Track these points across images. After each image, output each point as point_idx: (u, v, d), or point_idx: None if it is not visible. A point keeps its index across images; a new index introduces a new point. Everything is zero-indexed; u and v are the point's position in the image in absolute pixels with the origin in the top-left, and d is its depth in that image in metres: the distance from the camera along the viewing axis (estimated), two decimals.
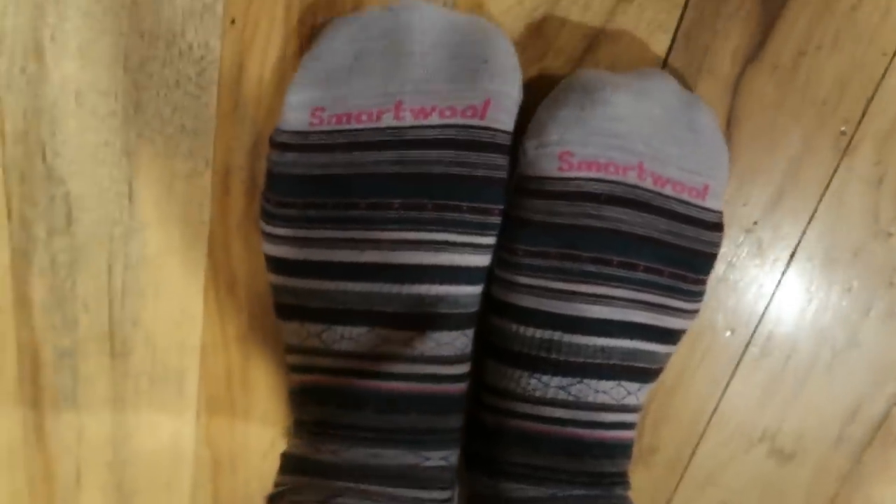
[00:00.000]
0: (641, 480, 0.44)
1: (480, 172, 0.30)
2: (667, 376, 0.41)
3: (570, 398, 0.32)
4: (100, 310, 0.37)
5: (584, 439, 0.32)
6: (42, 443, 0.41)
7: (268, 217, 0.32)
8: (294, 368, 0.34)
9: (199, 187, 0.35)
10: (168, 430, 0.41)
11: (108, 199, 0.34)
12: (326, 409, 0.32)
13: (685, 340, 0.39)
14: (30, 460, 0.41)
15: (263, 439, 0.42)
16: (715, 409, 0.42)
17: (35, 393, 0.39)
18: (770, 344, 0.40)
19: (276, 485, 0.33)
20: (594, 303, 0.31)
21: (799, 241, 0.37)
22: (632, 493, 0.41)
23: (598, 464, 0.32)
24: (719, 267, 0.38)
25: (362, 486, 0.30)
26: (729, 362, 0.41)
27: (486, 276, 0.33)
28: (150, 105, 0.33)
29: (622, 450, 0.33)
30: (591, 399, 0.32)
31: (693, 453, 0.44)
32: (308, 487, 0.31)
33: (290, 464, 0.32)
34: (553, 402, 0.32)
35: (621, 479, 0.33)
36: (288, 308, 0.33)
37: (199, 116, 0.33)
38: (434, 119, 0.30)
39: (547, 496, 0.31)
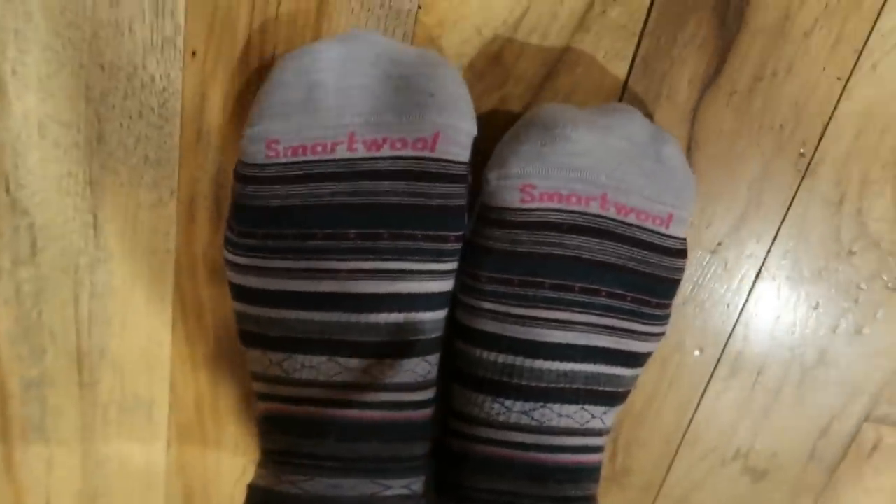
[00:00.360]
0: (616, 502, 0.44)
1: (435, 202, 0.30)
2: (637, 397, 0.41)
3: (533, 422, 0.32)
4: (67, 339, 0.37)
5: (547, 464, 0.32)
6: (11, 474, 0.41)
7: (230, 246, 0.32)
8: (259, 396, 0.34)
9: (164, 216, 0.35)
10: (139, 460, 0.41)
11: (72, 230, 0.34)
12: (289, 439, 0.32)
13: (654, 362, 0.40)
14: (0, 492, 0.41)
15: (235, 467, 0.41)
16: (687, 429, 0.42)
17: (3, 424, 0.39)
18: (739, 363, 0.40)
19: None
20: (555, 328, 0.31)
21: (764, 261, 0.38)
22: None
23: (562, 488, 0.32)
24: (686, 287, 0.38)
25: None
26: (699, 382, 0.41)
27: (450, 301, 0.33)
28: (114, 136, 0.33)
29: (587, 473, 0.33)
30: (554, 423, 0.32)
31: (667, 474, 0.44)
32: None
33: (254, 496, 0.32)
34: (516, 427, 0.32)
35: (587, 503, 0.33)
36: (250, 335, 0.33)
37: (163, 147, 0.33)
38: (386, 151, 0.30)
39: None
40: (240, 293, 0.33)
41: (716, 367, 0.40)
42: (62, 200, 0.34)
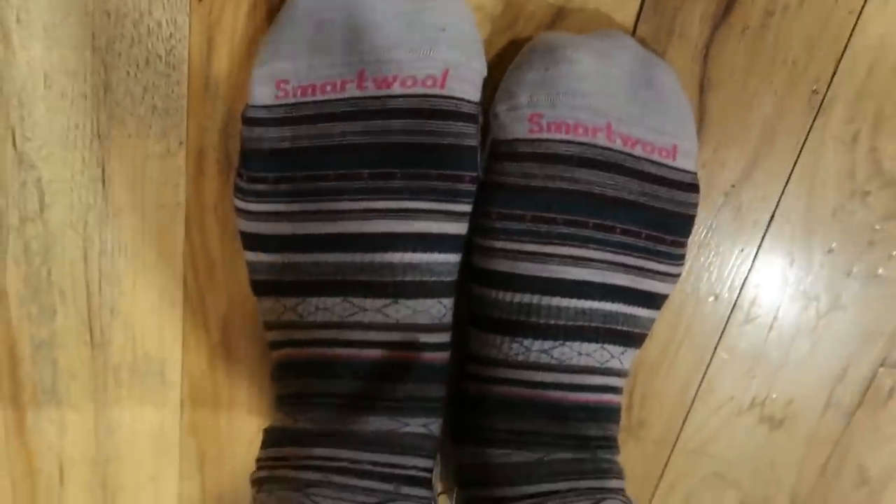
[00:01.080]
0: (632, 455, 0.44)
1: (448, 140, 0.30)
2: (652, 347, 0.41)
3: (553, 361, 0.31)
4: (77, 298, 0.37)
5: (568, 402, 0.32)
6: (23, 439, 0.40)
7: (240, 193, 0.32)
8: (273, 345, 0.34)
9: (173, 168, 0.34)
10: (151, 422, 0.41)
11: (80, 184, 0.34)
12: (304, 380, 0.32)
13: (669, 309, 0.39)
14: (11, 458, 0.41)
15: (249, 429, 0.41)
16: (702, 379, 0.42)
17: (14, 389, 0.39)
18: (755, 309, 0.40)
19: (258, 460, 0.32)
20: (571, 264, 0.31)
21: (777, 203, 0.37)
22: (623, 465, 0.41)
23: (583, 427, 0.32)
24: (699, 231, 0.38)
25: (339, 463, 0.30)
26: (714, 330, 0.40)
27: (464, 245, 0.32)
28: (120, 85, 0.32)
29: (608, 413, 0.33)
30: (574, 362, 0.32)
31: (682, 426, 0.43)
32: (284, 478, 0.30)
33: (271, 437, 0.32)
34: (535, 366, 0.31)
35: (608, 443, 0.33)
36: (263, 284, 0.33)
37: (171, 96, 0.33)
38: (396, 89, 0.30)
39: (533, 461, 0.31)
40: (251, 241, 0.33)
41: (731, 313, 0.40)
42: (69, 154, 0.33)
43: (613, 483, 0.31)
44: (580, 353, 0.32)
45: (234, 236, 0.35)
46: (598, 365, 0.32)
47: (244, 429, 0.41)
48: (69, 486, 0.42)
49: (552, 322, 0.31)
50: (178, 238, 0.36)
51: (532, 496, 0.31)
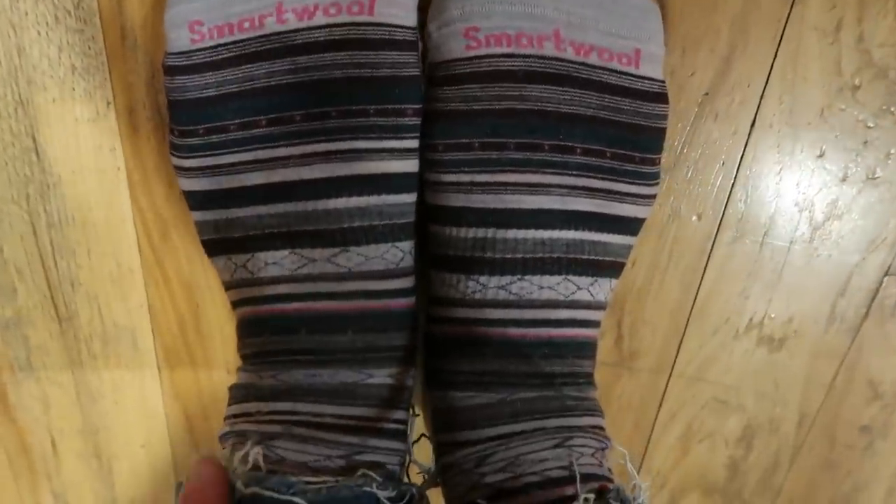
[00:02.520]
0: (628, 387, 0.43)
1: (383, 73, 0.28)
2: (636, 274, 0.39)
3: (512, 297, 0.30)
4: (35, 274, 0.36)
5: (530, 339, 0.30)
6: (10, 416, 0.40)
7: (175, 150, 0.30)
8: (233, 305, 0.33)
9: (105, 130, 0.33)
10: (132, 389, 0.41)
11: (14, 156, 0.33)
12: (263, 339, 0.31)
13: (650, 233, 0.37)
14: (2, 435, 0.41)
15: (229, 384, 0.41)
16: (693, 303, 0.40)
17: None
18: (743, 226, 0.37)
19: (225, 418, 0.32)
20: (526, 192, 0.29)
21: (758, 108, 0.34)
22: (618, 399, 0.39)
23: (548, 364, 0.30)
24: (674, 146, 0.35)
25: (300, 417, 0.29)
26: (701, 251, 0.38)
27: (417, 182, 0.30)
28: (34, 48, 0.31)
29: (576, 348, 0.31)
30: (534, 296, 0.30)
31: (677, 353, 0.42)
32: (247, 432, 0.30)
33: (236, 395, 0.32)
34: (493, 304, 0.30)
35: (575, 380, 0.31)
36: (212, 243, 0.32)
37: (88, 53, 0.31)
38: (319, 18, 0.27)
39: (495, 402, 0.30)
40: (194, 199, 0.31)
41: (717, 232, 0.37)
42: None
43: (584, 420, 0.30)
44: (541, 287, 0.30)
45: (182, 198, 0.33)
46: (562, 298, 0.30)
47: (224, 387, 0.40)
48: (64, 457, 0.43)
49: (509, 256, 0.29)
50: (124, 204, 0.35)
51: (496, 438, 0.30)
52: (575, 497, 0.27)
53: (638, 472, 0.47)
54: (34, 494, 0.44)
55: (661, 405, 0.44)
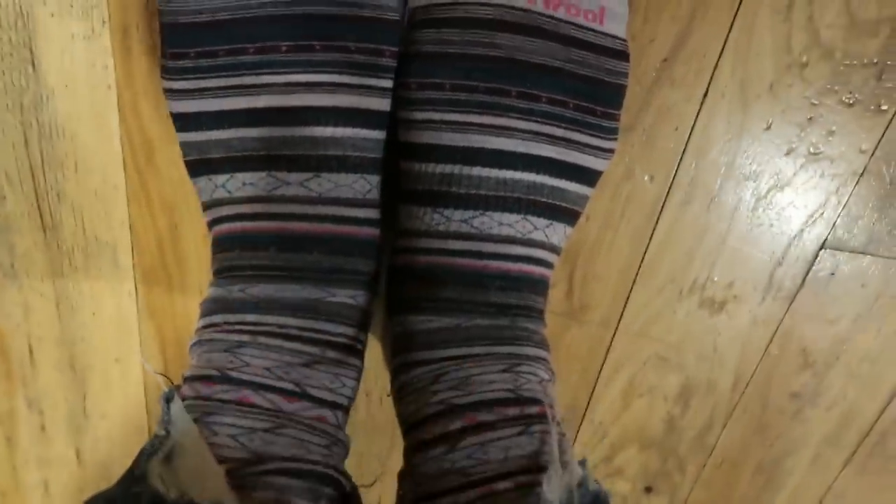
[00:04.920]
0: (577, 338, 0.45)
1: (367, 13, 0.30)
2: (590, 229, 0.41)
3: (473, 230, 0.32)
4: (24, 182, 0.38)
5: (487, 271, 0.33)
6: None
7: (166, 73, 0.32)
8: (209, 225, 0.35)
9: (99, 49, 0.35)
10: (110, 305, 0.43)
11: (11, 66, 0.35)
12: (234, 254, 0.33)
13: (605, 191, 0.40)
14: None
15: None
16: (641, 261, 0.42)
17: None
18: (692, 189, 0.40)
19: (196, 331, 0.34)
20: (493, 134, 0.31)
21: (711, 78, 0.37)
22: (566, 348, 0.42)
23: (502, 295, 0.33)
24: (631, 109, 0.37)
25: (265, 328, 0.32)
26: (652, 211, 0.41)
27: (388, 121, 0.33)
28: None
29: (530, 284, 0.34)
30: (494, 231, 0.32)
31: (624, 308, 0.44)
32: (214, 340, 0.32)
33: (206, 308, 0.34)
34: (455, 235, 0.32)
35: (528, 312, 0.34)
36: (195, 164, 0.34)
37: None
38: None
39: (452, 326, 0.32)
40: (181, 121, 0.33)
41: (668, 194, 0.40)
42: None
43: (532, 351, 0.33)
44: (500, 224, 0.32)
45: (169, 121, 0.35)
46: (519, 235, 0.33)
47: (197, 310, 0.43)
48: (40, 365, 0.45)
49: (472, 192, 0.32)
50: (113, 121, 0.37)
51: (449, 359, 0.32)
52: (520, 417, 0.30)
53: (581, 423, 0.50)
54: (9, 399, 0.46)
55: (605, 358, 0.46)
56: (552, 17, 0.31)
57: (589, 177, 0.35)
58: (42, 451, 0.49)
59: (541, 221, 0.34)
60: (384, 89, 0.32)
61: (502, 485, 0.28)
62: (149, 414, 0.48)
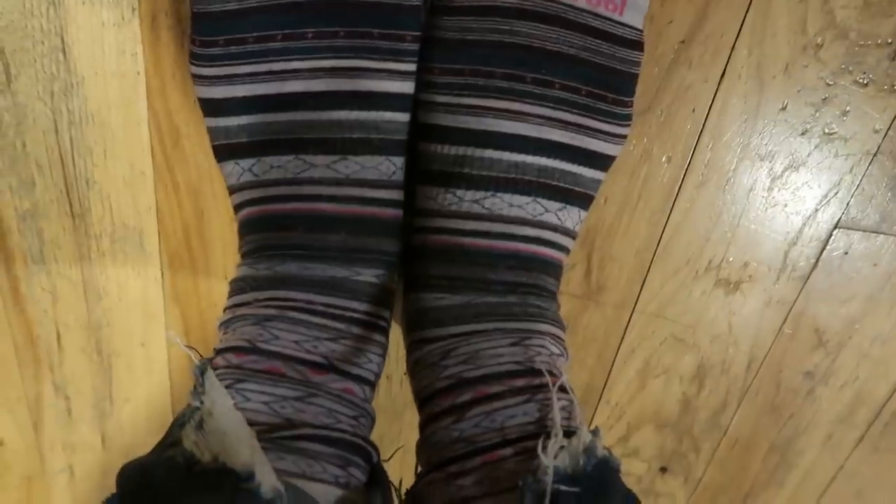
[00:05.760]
0: (594, 319, 0.46)
1: (389, 0, 0.31)
2: (607, 211, 0.42)
3: (484, 211, 0.33)
4: (53, 170, 0.39)
5: (497, 250, 0.33)
6: (20, 307, 0.43)
7: (195, 60, 0.33)
8: (236, 209, 0.36)
9: (129, 36, 0.35)
10: (136, 290, 0.43)
11: (42, 54, 0.35)
12: (262, 235, 0.34)
13: (622, 172, 0.40)
14: (12, 326, 0.44)
15: (226, 293, 0.44)
16: (658, 242, 0.43)
17: (5, 259, 0.42)
18: (709, 170, 0.41)
19: (225, 309, 0.35)
20: (506, 118, 0.32)
21: (728, 59, 0.37)
22: (583, 330, 0.43)
23: (512, 274, 0.33)
24: (649, 90, 0.38)
25: (293, 303, 0.32)
26: (669, 192, 0.41)
27: (411, 104, 0.33)
28: None
29: (541, 264, 0.34)
30: (504, 212, 0.33)
31: (640, 290, 0.45)
32: (244, 316, 0.33)
33: (235, 287, 0.35)
34: (467, 215, 0.33)
35: (538, 291, 0.34)
36: (222, 148, 0.35)
37: None
38: None
39: (462, 303, 0.33)
40: (209, 107, 0.34)
41: (685, 175, 0.41)
42: (28, 22, 0.35)
43: (543, 326, 0.33)
44: (511, 205, 0.33)
45: (196, 107, 0.36)
46: (529, 217, 0.33)
47: (222, 294, 0.44)
48: (67, 350, 0.46)
49: (484, 173, 0.33)
50: (141, 108, 0.37)
51: (459, 335, 0.33)
52: (526, 387, 0.31)
53: (598, 404, 0.51)
54: (37, 384, 0.47)
55: (622, 339, 0.47)
56: (572, 7, 0.31)
57: (601, 161, 0.35)
58: (68, 436, 0.50)
59: (552, 204, 0.34)
60: (407, 73, 0.32)
61: (506, 451, 0.29)
62: (173, 398, 0.49)
